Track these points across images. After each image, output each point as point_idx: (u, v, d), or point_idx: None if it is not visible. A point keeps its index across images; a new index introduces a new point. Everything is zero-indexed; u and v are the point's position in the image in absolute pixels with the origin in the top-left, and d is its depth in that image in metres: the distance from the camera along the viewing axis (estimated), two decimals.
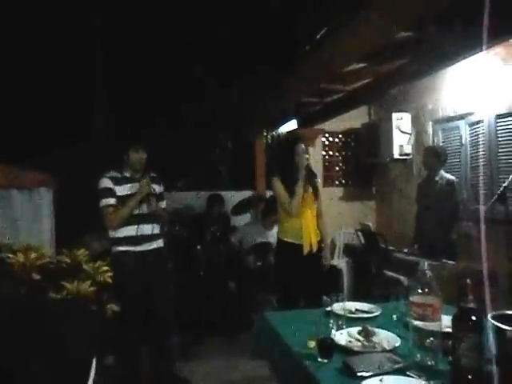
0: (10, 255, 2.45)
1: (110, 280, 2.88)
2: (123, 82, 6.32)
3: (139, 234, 3.06)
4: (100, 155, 4.82)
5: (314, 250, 3.21)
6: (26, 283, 2.22)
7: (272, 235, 4.56)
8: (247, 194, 5.83)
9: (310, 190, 3.26)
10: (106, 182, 3.08)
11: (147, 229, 3.11)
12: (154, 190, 3.19)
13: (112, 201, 3.07)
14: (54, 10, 5.61)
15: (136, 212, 3.08)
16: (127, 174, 3.16)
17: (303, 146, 3.24)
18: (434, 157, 4.14)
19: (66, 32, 5.78)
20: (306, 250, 3.18)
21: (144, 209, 3.11)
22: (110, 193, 3.07)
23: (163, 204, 3.34)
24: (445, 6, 2.49)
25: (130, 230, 3.07)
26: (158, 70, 6.52)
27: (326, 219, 3.53)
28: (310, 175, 3.26)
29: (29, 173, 3.35)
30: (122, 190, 3.09)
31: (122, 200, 3.08)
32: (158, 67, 6.50)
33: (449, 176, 4.11)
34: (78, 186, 4.17)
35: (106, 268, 3.05)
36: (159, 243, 3.22)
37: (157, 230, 3.19)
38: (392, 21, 2.63)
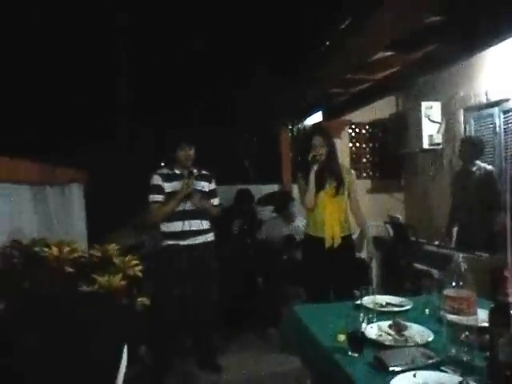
0: (45, 249, 2.52)
1: (140, 274, 2.95)
2: (151, 81, 6.41)
3: (185, 229, 3.19)
4: (128, 152, 4.90)
5: (336, 243, 3.17)
6: (60, 276, 2.28)
7: (294, 228, 4.55)
8: (273, 187, 5.82)
9: (333, 183, 3.21)
10: (155, 179, 3.25)
11: (193, 224, 3.23)
12: (203, 187, 3.32)
13: (159, 197, 3.23)
14: (82, 10, 5.72)
15: (181, 208, 3.20)
16: (177, 171, 3.30)
17: (320, 139, 3.18)
18: (471, 147, 4.00)
19: (106, 32, 5.90)
20: (327, 244, 3.15)
21: (189, 205, 3.22)
22: (159, 189, 3.23)
23: (215, 201, 3.43)
24: None
25: (175, 226, 3.21)
26: (184, 68, 6.57)
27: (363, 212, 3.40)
28: (331, 168, 3.21)
29: (60, 169, 3.43)
30: (171, 187, 3.23)
31: (171, 196, 3.21)
32: (182, 65, 6.55)
33: (487, 166, 3.98)
34: (109, 182, 4.26)
35: (135, 262, 3.12)
36: (208, 237, 3.33)
37: (205, 226, 3.31)
38: (420, 4, 2.54)
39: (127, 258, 3.01)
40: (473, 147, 4.00)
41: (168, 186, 3.24)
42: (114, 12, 6.12)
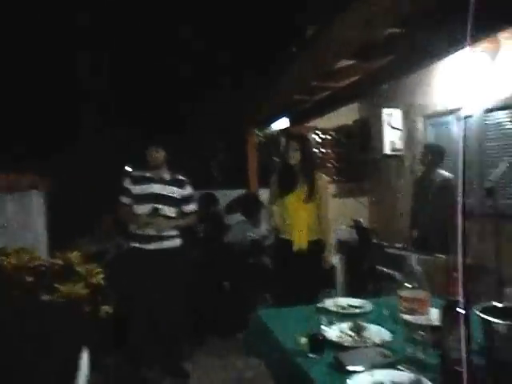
0: (3, 257, 2.45)
1: (102, 282, 2.90)
2: (118, 84, 6.31)
3: (150, 233, 3.18)
4: (92, 157, 4.81)
5: (303, 247, 3.22)
6: (19, 285, 2.22)
7: (262, 233, 4.59)
8: (240, 192, 5.85)
9: (305, 187, 3.26)
10: (125, 181, 3.28)
11: (158, 228, 3.20)
12: (173, 193, 3.28)
13: (126, 200, 3.25)
14: (52, 13, 5.59)
15: (144, 212, 3.18)
16: (148, 174, 3.28)
17: (294, 143, 3.23)
18: (431, 154, 4.19)
19: (63, 31, 5.76)
20: (295, 247, 3.21)
21: (148, 210, 3.19)
22: (126, 192, 3.24)
23: (189, 207, 3.39)
24: (432, 2, 2.51)
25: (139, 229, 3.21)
26: (151, 71, 6.51)
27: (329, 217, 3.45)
28: (304, 173, 3.26)
29: (20, 176, 3.35)
30: (139, 190, 3.23)
31: (138, 199, 3.22)
32: (150, 69, 6.49)
33: (445, 173, 4.15)
34: (71, 189, 4.17)
35: (98, 270, 3.07)
36: (175, 243, 3.31)
37: (171, 231, 3.28)
38: (379, 17, 2.65)
39: (90, 266, 2.97)
40: (434, 154, 4.17)
41: (136, 189, 3.23)
42: (76, 11, 5.99)
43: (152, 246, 3.19)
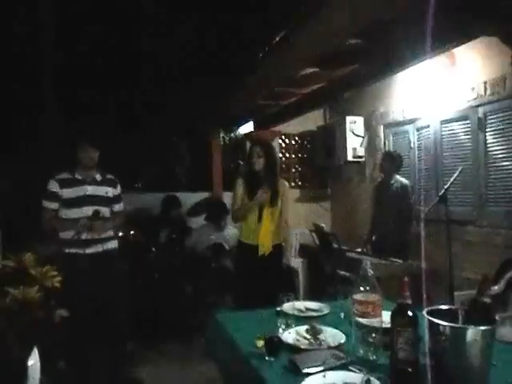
0: None
1: (58, 285, 2.80)
2: (73, 82, 6.14)
3: (79, 237, 2.99)
4: (47, 157, 4.66)
5: (267, 251, 3.26)
6: None
7: (225, 236, 4.59)
8: (204, 195, 5.83)
9: (269, 193, 3.29)
10: (52, 185, 3.04)
11: (100, 231, 3.06)
12: (107, 192, 3.17)
13: (53, 205, 3.03)
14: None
15: (80, 215, 3.02)
16: (78, 176, 3.11)
17: (258, 149, 3.27)
18: (390, 161, 4.34)
19: (9, 28, 5.55)
20: (260, 252, 3.24)
21: (89, 212, 3.04)
22: (54, 197, 3.03)
23: (120, 206, 3.29)
24: (393, 15, 2.60)
25: (72, 234, 3.00)
26: (109, 69, 6.37)
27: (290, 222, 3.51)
28: (267, 178, 3.30)
29: None
30: (70, 193, 3.04)
31: (70, 203, 3.03)
32: (108, 66, 6.35)
33: (403, 180, 4.31)
34: (25, 189, 4.02)
35: (54, 273, 2.96)
36: (111, 245, 3.18)
37: (107, 233, 3.14)
38: (342, 28, 2.72)
39: (45, 269, 2.87)
40: (392, 161, 4.32)
41: (66, 192, 3.03)
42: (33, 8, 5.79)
43: (91, 250, 3.04)
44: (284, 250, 3.40)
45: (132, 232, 4.61)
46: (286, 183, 3.52)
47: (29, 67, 5.80)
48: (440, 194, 2.96)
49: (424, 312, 1.37)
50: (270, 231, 3.28)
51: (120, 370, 3.25)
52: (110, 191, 3.20)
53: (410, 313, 1.37)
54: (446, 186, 2.97)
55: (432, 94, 4.26)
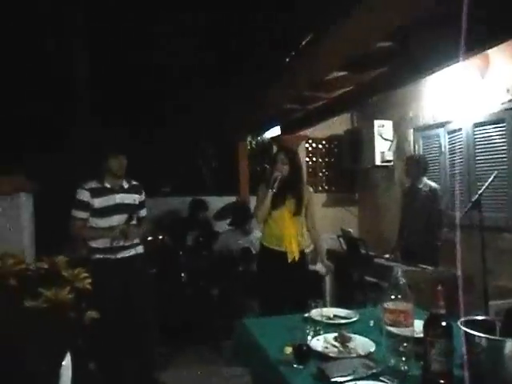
0: None
1: (89, 287, 2.86)
2: (105, 87, 6.28)
3: (115, 244, 3.04)
4: (80, 160, 4.77)
5: (292, 258, 3.23)
6: (3, 290, 2.19)
7: (251, 240, 4.59)
8: (230, 199, 5.85)
9: (293, 200, 3.26)
10: (83, 194, 3.04)
11: (120, 241, 3.08)
12: (134, 200, 3.21)
13: (84, 215, 3.05)
14: (31, 14, 5.56)
15: (110, 225, 3.06)
16: (108, 185, 3.13)
17: (283, 156, 3.26)
18: (415, 166, 4.23)
19: (40, 34, 5.72)
20: (290, 258, 3.22)
21: (119, 221, 3.08)
22: (85, 206, 3.04)
23: (144, 212, 3.33)
24: (425, 17, 2.55)
25: (105, 242, 3.06)
26: (140, 75, 6.49)
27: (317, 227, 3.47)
28: (292, 186, 3.28)
29: (8, 178, 3.31)
30: (101, 202, 3.06)
31: (100, 212, 3.07)
32: (139, 72, 6.47)
33: (432, 184, 4.20)
34: (60, 191, 4.13)
35: (85, 275, 3.03)
36: (138, 250, 3.22)
37: (134, 240, 3.18)
38: (371, 30, 2.69)
39: (76, 271, 2.93)
40: (417, 166, 4.22)
41: (97, 202, 3.05)
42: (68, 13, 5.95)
43: (122, 255, 3.08)
44: (313, 255, 3.38)
45: (160, 236, 4.67)
46: (311, 189, 3.51)
47: (62, 72, 5.98)
48: (473, 199, 2.87)
49: (459, 323, 1.33)
50: (295, 237, 3.26)
51: (147, 373, 3.29)
52: (137, 198, 3.24)
53: (443, 323, 1.33)
54: (480, 191, 2.88)
55: (464, 97, 4.15)
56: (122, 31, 6.17)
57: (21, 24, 5.53)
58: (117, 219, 3.08)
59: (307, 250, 3.44)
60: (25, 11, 5.48)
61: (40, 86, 5.76)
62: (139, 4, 6.05)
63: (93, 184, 3.09)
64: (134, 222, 3.18)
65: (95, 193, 3.06)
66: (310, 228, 3.38)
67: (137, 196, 3.23)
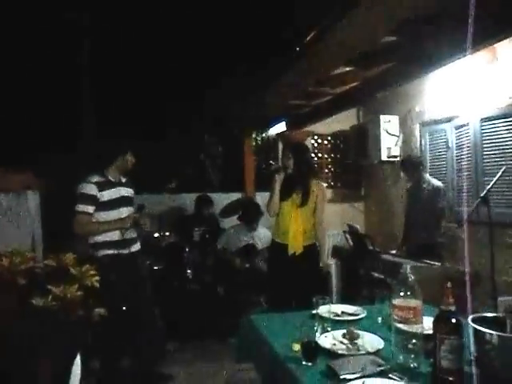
0: None
1: (97, 284, 2.86)
2: (111, 84, 6.29)
3: (123, 237, 3.07)
4: (86, 158, 4.79)
5: (298, 251, 3.24)
6: (11, 288, 2.20)
7: (256, 237, 4.59)
8: (236, 196, 5.85)
9: (299, 193, 3.29)
10: (90, 188, 3.02)
11: (128, 233, 3.12)
12: (132, 193, 3.25)
13: (90, 209, 3.01)
14: (40, 13, 5.57)
15: (119, 217, 3.08)
16: (112, 179, 3.14)
17: (287, 151, 3.33)
18: (411, 168, 4.24)
19: (49, 33, 5.73)
20: (290, 251, 3.24)
21: (124, 214, 3.11)
22: (92, 200, 3.01)
23: (133, 207, 3.31)
24: (430, 10, 2.52)
25: (112, 235, 3.06)
26: (144, 72, 6.49)
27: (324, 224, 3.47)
28: (297, 179, 3.29)
29: (15, 175, 3.33)
30: (107, 195, 3.06)
31: (107, 205, 3.07)
32: (143, 69, 6.47)
33: (435, 182, 4.17)
34: (66, 189, 4.14)
35: (93, 272, 3.04)
36: (137, 246, 3.24)
37: (134, 234, 3.20)
38: (376, 25, 2.66)
39: (84, 268, 2.94)
40: (413, 167, 4.22)
41: (105, 195, 3.04)
42: (75, 13, 5.97)
43: (127, 251, 3.09)
44: (319, 251, 3.38)
45: (167, 233, 4.68)
46: (324, 184, 3.53)
47: (69, 70, 6.00)
48: (482, 194, 2.85)
49: (469, 319, 1.32)
50: (301, 231, 3.28)
51: (154, 367, 3.31)
52: (132, 192, 3.27)
53: (453, 320, 1.32)
54: (488, 187, 2.86)
55: (471, 91, 4.11)
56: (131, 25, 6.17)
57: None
58: (125, 211, 3.12)
59: (316, 244, 3.42)
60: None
61: (47, 86, 5.79)
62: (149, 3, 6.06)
63: (96, 177, 3.07)
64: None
65: (102, 186, 3.04)
66: (316, 222, 3.38)
67: (131, 190, 3.27)
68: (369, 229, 5.98)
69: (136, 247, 3.18)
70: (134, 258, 3.14)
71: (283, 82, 4.50)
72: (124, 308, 2.96)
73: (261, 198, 5.27)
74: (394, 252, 4.27)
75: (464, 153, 4.32)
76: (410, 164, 4.28)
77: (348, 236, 4.70)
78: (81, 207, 3.00)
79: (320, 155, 6.35)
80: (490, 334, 1.24)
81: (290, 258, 3.25)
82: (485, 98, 3.98)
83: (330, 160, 6.39)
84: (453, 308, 1.34)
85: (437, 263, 3.69)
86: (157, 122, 6.93)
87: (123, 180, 3.24)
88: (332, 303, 2.11)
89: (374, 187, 6.10)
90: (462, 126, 4.39)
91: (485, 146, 4.08)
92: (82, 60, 6.07)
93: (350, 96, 4.35)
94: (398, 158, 5.32)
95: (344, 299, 4.34)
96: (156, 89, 6.67)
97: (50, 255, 2.65)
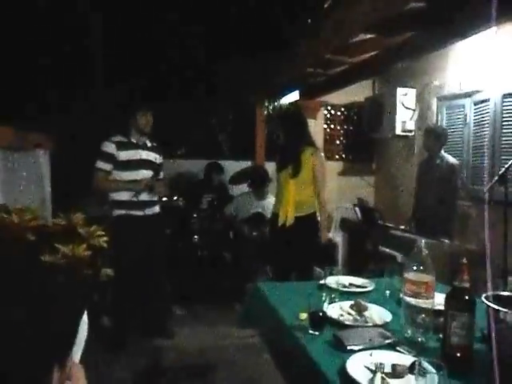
0: (5, 215, 2.44)
1: (105, 244, 2.89)
2: (124, 47, 6.18)
3: (138, 199, 3.10)
4: (99, 118, 4.75)
5: (288, 222, 3.23)
6: (21, 243, 2.22)
7: (265, 206, 4.58)
8: (246, 164, 5.80)
9: (292, 163, 3.28)
10: (109, 146, 3.08)
11: (144, 195, 3.15)
12: (155, 159, 3.26)
13: (107, 167, 3.08)
14: None
15: (135, 178, 3.10)
16: (133, 140, 3.18)
17: (277, 122, 3.35)
18: (433, 138, 4.06)
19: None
20: (280, 222, 3.26)
21: (142, 176, 3.14)
22: (109, 158, 3.08)
23: (161, 174, 3.37)
24: None
25: (127, 195, 3.10)
26: (157, 38, 6.36)
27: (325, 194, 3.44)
28: (287, 150, 3.31)
29: (25, 134, 3.31)
30: (127, 155, 3.11)
31: (125, 165, 3.11)
32: (157, 35, 6.34)
33: (450, 158, 4.04)
34: (77, 148, 4.12)
35: (101, 232, 3.07)
36: (156, 209, 3.28)
37: (154, 197, 3.23)
38: None
39: (92, 228, 2.97)
40: (435, 139, 4.05)
41: (123, 155, 3.09)
42: None
43: (141, 213, 3.13)
44: (318, 222, 3.35)
45: (175, 198, 4.67)
46: (322, 155, 3.45)
47: (82, 29, 5.90)
48: (500, 173, 2.78)
49: (483, 297, 1.29)
50: (293, 203, 3.26)
51: (156, 323, 3.36)
52: (158, 158, 3.30)
53: (466, 297, 1.29)
54: (507, 165, 2.78)
55: (494, 66, 3.95)
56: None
57: None
58: (142, 174, 3.14)
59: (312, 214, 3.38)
60: None
61: (59, 46, 5.69)
62: None
63: (118, 137, 3.14)
64: (160, 177, 3.25)
65: (121, 146, 3.11)
66: (316, 193, 3.34)
67: (158, 156, 3.29)
68: (378, 203, 5.93)
69: (152, 210, 3.21)
70: (149, 221, 3.16)
71: (299, 48, 4.36)
72: (134, 268, 3.00)
73: (271, 167, 5.22)
74: (402, 227, 4.23)
75: (482, 130, 4.21)
76: (435, 134, 4.10)
77: (357, 209, 4.66)
78: (99, 164, 3.08)
79: (332, 126, 6.24)
80: (505, 311, 1.21)
81: (281, 228, 3.26)
82: (509, 74, 3.83)
83: (342, 132, 6.27)
84: (467, 285, 1.31)
85: (446, 240, 3.66)
86: (167, 86, 6.83)
87: (148, 144, 3.26)
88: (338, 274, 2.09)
89: (386, 161, 6.01)
90: (482, 102, 4.26)
91: (504, 123, 3.96)
92: (90, 16, 5.93)
93: (368, 66, 4.21)
94: (413, 133, 5.20)
95: (349, 271, 4.36)
96: (171, 51, 6.55)
97: (60, 214, 2.67)
